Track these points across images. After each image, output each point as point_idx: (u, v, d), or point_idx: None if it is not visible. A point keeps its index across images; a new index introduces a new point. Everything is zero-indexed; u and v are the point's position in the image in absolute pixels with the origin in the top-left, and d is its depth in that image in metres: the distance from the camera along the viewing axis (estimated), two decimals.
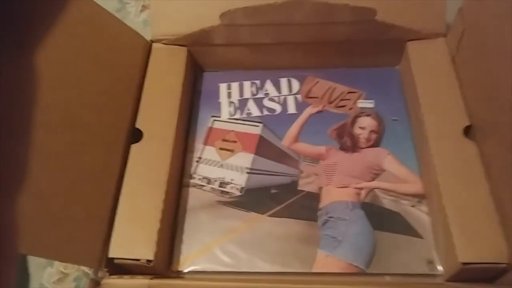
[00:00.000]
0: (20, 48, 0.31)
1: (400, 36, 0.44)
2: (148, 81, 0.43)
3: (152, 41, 0.46)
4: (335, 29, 0.43)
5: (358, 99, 0.46)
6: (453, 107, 0.40)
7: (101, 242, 0.35)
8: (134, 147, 0.39)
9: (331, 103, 0.47)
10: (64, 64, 0.35)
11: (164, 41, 0.46)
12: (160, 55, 0.45)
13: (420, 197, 0.40)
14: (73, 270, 0.43)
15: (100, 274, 0.34)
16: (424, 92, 0.41)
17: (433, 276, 0.36)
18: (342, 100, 0.47)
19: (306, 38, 0.45)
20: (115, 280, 0.33)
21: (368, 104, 0.46)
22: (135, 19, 0.43)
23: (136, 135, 0.40)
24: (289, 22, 0.42)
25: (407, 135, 0.43)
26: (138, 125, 0.41)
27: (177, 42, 0.46)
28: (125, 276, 0.34)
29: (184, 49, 0.46)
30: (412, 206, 0.40)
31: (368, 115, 0.45)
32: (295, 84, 0.48)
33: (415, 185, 0.40)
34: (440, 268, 0.36)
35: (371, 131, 0.44)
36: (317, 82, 0.48)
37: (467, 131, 0.39)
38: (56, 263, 0.43)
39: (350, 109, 0.46)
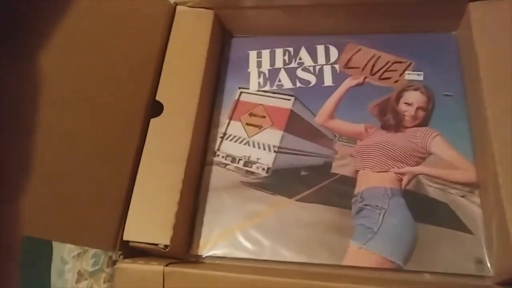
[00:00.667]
0: (30, 14, 0.28)
1: None
2: (171, 49, 0.40)
3: (176, 4, 0.42)
4: None
5: (405, 70, 0.40)
6: None
7: (116, 224, 0.33)
8: (153, 122, 0.36)
9: (373, 74, 0.41)
10: (76, 31, 0.32)
11: (189, 4, 0.42)
12: (184, 19, 0.41)
13: (472, 187, 0.35)
14: None
15: (114, 256, 0.32)
16: (486, 63, 0.35)
17: (481, 277, 0.32)
18: (386, 71, 0.41)
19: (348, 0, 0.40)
20: (128, 265, 0.32)
21: (417, 76, 0.40)
22: None
23: (156, 108, 0.37)
24: None
25: (462, 114, 0.38)
26: (159, 97, 0.37)
27: (202, 4, 0.42)
28: (139, 261, 0.32)
29: (210, 12, 0.42)
30: (462, 196, 0.34)
31: (416, 89, 0.39)
32: (334, 52, 0.43)
33: (467, 172, 0.35)
34: (490, 269, 0.32)
35: (418, 108, 0.39)
36: (359, 49, 0.42)
37: None
38: None
39: (396, 81, 0.40)
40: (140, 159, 0.35)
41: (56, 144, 0.29)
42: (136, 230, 0.33)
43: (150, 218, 0.33)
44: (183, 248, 0.35)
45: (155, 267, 0.31)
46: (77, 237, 0.30)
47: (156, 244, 0.32)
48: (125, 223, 0.33)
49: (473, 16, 0.37)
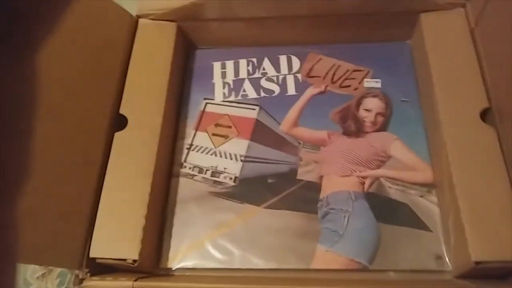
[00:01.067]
0: None
1: (412, 7, 0.40)
2: (134, 61, 0.40)
3: (138, 17, 0.42)
4: (341, 0, 0.39)
5: (364, 77, 0.42)
6: (470, 87, 0.36)
7: (81, 241, 0.32)
8: (118, 135, 0.36)
9: (334, 82, 0.43)
10: (42, 44, 0.32)
11: (151, 16, 0.42)
12: (147, 32, 0.41)
13: (429, 187, 0.36)
14: None
15: (81, 275, 0.31)
16: (438, 70, 0.37)
17: (441, 272, 0.34)
18: (346, 79, 0.43)
19: (308, 11, 0.41)
20: (96, 282, 0.31)
21: (375, 83, 0.42)
22: None
23: (120, 122, 0.37)
24: None
25: (418, 118, 0.40)
26: (123, 110, 0.37)
27: (165, 17, 0.42)
28: (108, 278, 0.31)
29: (173, 24, 0.42)
30: (421, 196, 0.36)
31: (375, 96, 0.41)
32: (296, 62, 0.44)
33: (424, 173, 0.37)
34: (449, 264, 0.33)
35: (378, 114, 0.40)
36: (320, 59, 0.44)
37: (485, 115, 0.35)
38: None
39: (355, 89, 0.42)
40: (105, 173, 0.35)
41: None
42: (103, 246, 0.32)
43: (117, 233, 0.33)
44: (152, 262, 0.35)
45: (124, 283, 0.31)
46: (42, 257, 0.30)
47: (124, 260, 0.32)
48: (91, 240, 0.32)
49: (425, 26, 0.40)
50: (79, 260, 0.32)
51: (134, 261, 0.31)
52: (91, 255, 0.32)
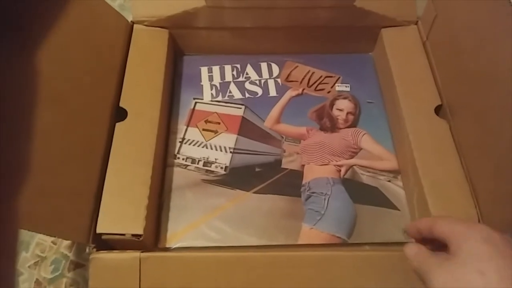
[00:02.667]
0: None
1: (375, 23, 0.47)
2: (131, 62, 0.43)
3: (133, 22, 0.46)
4: (316, 14, 0.45)
5: (335, 83, 0.48)
6: (425, 88, 0.43)
7: (88, 218, 0.34)
8: (119, 126, 0.39)
9: (310, 86, 0.48)
10: (47, 41, 0.34)
11: (145, 23, 0.46)
12: (141, 37, 0.45)
13: (395, 173, 0.42)
14: (50, 253, 0.42)
15: (87, 250, 0.33)
16: (398, 75, 0.44)
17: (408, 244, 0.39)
18: (320, 83, 0.48)
19: (287, 23, 0.47)
20: (104, 255, 0.33)
21: (344, 87, 0.48)
22: (111, 3, 0.43)
23: (120, 114, 0.40)
24: (273, 6, 0.43)
25: (382, 117, 0.46)
26: (122, 104, 0.40)
27: (158, 24, 0.46)
28: (115, 251, 0.33)
29: (165, 31, 0.46)
30: (388, 181, 0.42)
31: (345, 98, 0.47)
32: (275, 68, 0.49)
33: (390, 162, 0.43)
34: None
35: (348, 113, 0.46)
36: (296, 66, 0.50)
37: (438, 110, 0.42)
38: (32, 247, 0.42)
39: (328, 92, 0.48)
40: (108, 158, 0.37)
41: (33, 139, 0.30)
42: (109, 223, 0.34)
43: (122, 211, 0.35)
44: (152, 241, 0.37)
45: (132, 254, 0.33)
46: (53, 228, 0.31)
47: (130, 234, 0.34)
48: (97, 218, 0.34)
49: (385, 39, 0.47)
50: (86, 235, 0.34)
51: (139, 235, 0.34)
52: (98, 230, 0.34)
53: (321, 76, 0.49)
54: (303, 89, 0.48)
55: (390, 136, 0.45)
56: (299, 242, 0.38)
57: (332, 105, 0.47)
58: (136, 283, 0.33)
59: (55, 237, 0.40)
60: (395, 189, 0.41)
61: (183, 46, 0.49)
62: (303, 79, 0.49)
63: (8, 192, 0.24)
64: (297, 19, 0.46)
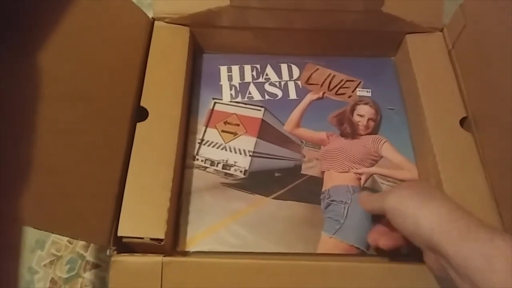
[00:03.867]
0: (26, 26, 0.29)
1: (400, 28, 0.46)
2: (151, 60, 0.43)
3: (154, 19, 0.45)
4: (342, 17, 0.44)
5: (356, 87, 0.48)
6: (450, 99, 0.42)
7: (109, 220, 0.34)
8: (140, 125, 0.39)
9: (331, 90, 0.47)
10: (69, 38, 0.33)
11: (166, 20, 0.45)
12: (162, 34, 0.44)
13: None
14: (66, 252, 0.42)
15: (108, 252, 0.33)
16: (423, 82, 0.43)
17: None
18: (341, 88, 0.48)
19: (311, 25, 0.46)
20: (126, 258, 0.33)
21: (366, 93, 0.47)
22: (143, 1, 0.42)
23: (141, 114, 0.39)
24: (299, 7, 0.42)
25: (403, 125, 0.45)
26: (143, 103, 0.40)
27: (179, 21, 0.45)
28: (136, 254, 0.33)
29: (186, 29, 0.45)
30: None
31: (366, 104, 0.46)
32: (296, 70, 0.48)
33: (411, 172, 0.42)
34: None
35: (369, 119, 0.45)
36: (317, 69, 0.49)
37: (463, 122, 0.41)
38: (47, 246, 0.42)
39: (349, 97, 0.47)
40: (129, 159, 0.37)
41: (53, 139, 0.30)
42: (130, 226, 0.34)
43: (143, 214, 0.34)
44: (172, 245, 0.37)
45: (154, 258, 0.33)
46: (74, 229, 0.31)
47: (151, 238, 0.33)
48: (118, 220, 0.34)
49: (410, 45, 0.46)
50: (107, 237, 0.33)
51: (161, 240, 0.33)
52: (119, 233, 0.33)
53: (342, 80, 0.48)
54: (324, 93, 0.47)
55: (411, 145, 0.44)
56: (318, 251, 0.38)
57: (353, 110, 0.46)
58: (157, 287, 0.33)
59: (76, 239, 0.40)
60: None
61: (203, 44, 0.48)
62: (323, 82, 0.48)
63: (11, 191, 0.24)
64: (322, 21, 0.45)
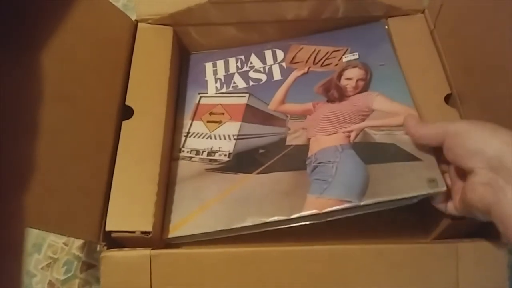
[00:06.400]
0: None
1: (382, 13, 0.45)
2: (136, 61, 0.44)
3: (137, 21, 0.46)
4: (323, 7, 0.45)
5: (343, 55, 0.45)
6: (434, 77, 0.41)
7: (98, 216, 0.35)
8: (125, 124, 0.40)
9: (316, 64, 0.46)
10: (53, 40, 0.36)
11: (149, 21, 0.46)
12: (145, 35, 0.46)
13: None
14: (62, 254, 0.43)
15: (98, 248, 0.33)
16: (406, 64, 0.42)
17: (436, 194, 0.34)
18: (327, 59, 0.46)
19: (291, 16, 0.46)
20: (115, 253, 0.33)
21: (353, 56, 0.45)
22: (115, 4, 0.46)
23: (126, 112, 0.41)
24: None
25: (397, 74, 0.42)
26: (128, 102, 0.41)
27: (162, 21, 0.46)
28: (125, 249, 0.34)
29: (169, 29, 0.46)
30: (407, 134, 0.37)
31: (354, 67, 0.44)
32: (280, 54, 0.48)
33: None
34: (443, 184, 0.34)
35: (358, 80, 0.42)
36: (302, 48, 0.48)
37: (448, 99, 0.40)
38: (44, 249, 0.44)
39: (336, 65, 0.45)
40: (115, 156, 0.38)
41: (41, 137, 0.32)
42: (118, 220, 0.35)
43: (130, 208, 0.35)
44: (159, 237, 0.36)
45: (142, 252, 0.33)
46: (64, 227, 0.32)
47: (139, 231, 0.34)
48: (106, 216, 0.35)
49: (392, 28, 0.45)
50: (97, 233, 0.34)
51: (148, 232, 0.34)
52: (108, 228, 0.34)
53: (327, 52, 0.46)
54: (309, 68, 0.45)
55: (407, 91, 0.40)
56: (304, 212, 0.34)
57: (340, 76, 0.43)
58: (147, 280, 0.33)
59: (65, 235, 0.41)
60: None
61: (187, 43, 0.50)
62: (308, 58, 0.46)
63: (13, 190, 0.25)
64: (301, 12, 0.45)
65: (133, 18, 0.47)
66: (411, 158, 0.35)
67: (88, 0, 0.40)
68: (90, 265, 0.42)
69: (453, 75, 0.41)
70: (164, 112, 0.40)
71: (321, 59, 0.46)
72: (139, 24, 0.47)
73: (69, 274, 0.42)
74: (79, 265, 0.42)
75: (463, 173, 0.32)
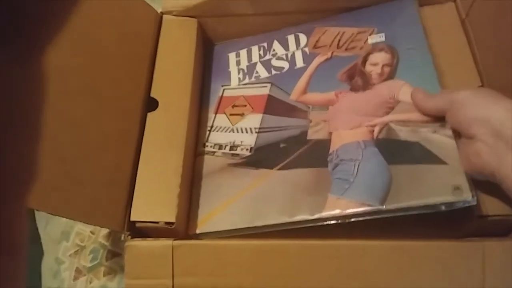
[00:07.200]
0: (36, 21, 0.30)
1: None
2: (160, 53, 0.44)
3: (162, 13, 0.47)
4: None
5: (368, 36, 0.43)
6: (465, 69, 0.39)
7: (123, 206, 0.36)
8: (150, 115, 0.41)
9: (340, 47, 0.44)
10: (80, 33, 0.36)
11: (174, 13, 0.46)
12: (170, 27, 0.46)
13: (443, 121, 0.35)
14: (89, 242, 0.45)
15: (122, 237, 0.35)
16: (437, 54, 0.40)
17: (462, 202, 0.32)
18: (352, 42, 0.43)
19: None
20: (139, 242, 0.35)
21: (379, 38, 0.42)
22: None
23: (151, 104, 0.41)
24: None
25: (427, 61, 0.39)
26: (154, 94, 0.42)
27: (186, 13, 0.46)
28: (149, 239, 0.35)
29: (194, 20, 0.46)
30: (434, 132, 0.35)
31: (380, 50, 0.41)
32: (303, 38, 0.46)
33: None
34: (469, 192, 0.32)
35: (384, 65, 0.40)
36: (325, 31, 0.45)
37: None
38: (72, 237, 0.46)
39: (361, 48, 0.42)
40: (140, 148, 0.39)
41: (68, 129, 0.33)
42: (143, 211, 0.36)
43: (154, 199, 0.36)
44: (183, 229, 0.38)
45: (164, 242, 0.35)
46: (89, 216, 0.34)
47: (162, 222, 0.35)
48: (131, 206, 0.36)
49: (423, 17, 0.42)
50: (121, 222, 0.36)
51: (172, 223, 0.35)
52: (132, 218, 0.36)
53: (352, 34, 0.44)
54: (332, 52, 0.43)
55: (437, 82, 0.37)
56: (325, 213, 0.34)
57: (365, 61, 0.41)
58: (169, 270, 0.35)
59: (91, 224, 0.42)
60: (442, 140, 0.34)
61: (212, 34, 0.49)
62: (332, 42, 0.44)
63: (16, 192, 0.25)
64: None
65: (159, 10, 0.47)
66: (436, 160, 0.33)
67: None
68: (115, 253, 0.44)
69: (484, 67, 0.39)
70: (188, 104, 0.41)
71: (345, 42, 0.44)
72: (164, 16, 0.47)
73: (95, 262, 0.44)
74: (105, 253, 0.44)
75: (466, 139, 0.33)
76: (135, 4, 0.44)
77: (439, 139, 0.34)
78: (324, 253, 0.34)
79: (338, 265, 0.34)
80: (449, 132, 0.34)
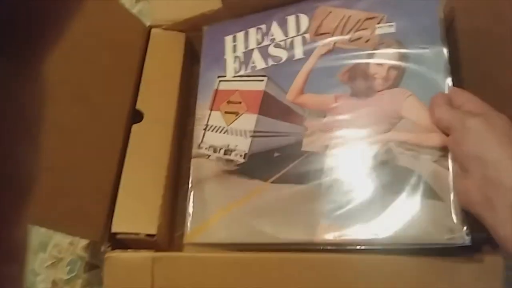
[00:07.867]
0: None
1: None
2: (147, 65, 0.44)
3: (151, 27, 0.45)
4: None
5: (377, 24, 0.37)
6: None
7: (104, 217, 0.37)
8: (135, 127, 0.40)
9: (345, 34, 0.38)
10: (68, 44, 0.35)
11: (163, 26, 0.45)
12: (158, 41, 0.45)
13: (445, 151, 0.32)
14: (67, 254, 0.43)
15: (102, 249, 0.35)
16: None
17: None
18: (358, 30, 0.38)
19: None
20: (118, 254, 0.35)
21: (388, 28, 0.36)
22: (131, 9, 0.43)
23: (136, 116, 0.41)
24: None
25: (441, 66, 0.34)
26: (139, 106, 0.41)
27: (175, 27, 0.45)
28: (129, 250, 0.36)
29: (182, 34, 0.45)
30: (435, 161, 0.32)
31: (388, 47, 0.36)
32: (304, 21, 0.41)
33: (440, 135, 0.32)
34: (462, 236, 0.30)
35: (390, 68, 0.35)
36: (330, 12, 0.40)
37: None
38: (49, 248, 0.44)
39: (367, 41, 0.37)
40: (123, 159, 0.39)
41: (55, 137, 0.31)
42: (124, 222, 0.37)
43: (136, 211, 0.37)
44: (167, 240, 0.39)
45: (144, 254, 0.35)
46: (70, 226, 0.34)
47: (144, 234, 0.35)
48: (112, 217, 0.37)
49: None
50: (102, 234, 0.36)
51: (153, 235, 0.36)
52: (113, 229, 0.36)
53: (359, 20, 0.38)
54: (335, 43, 0.38)
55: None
56: (316, 238, 0.33)
57: (369, 59, 0.37)
58: (148, 283, 0.35)
59: (72, 235, 0.42)
60: (441, 173, 0.31)
61: (200, 49, 0.45)
62: (336, 28, 0.39)
63: (16, 200, 0.27)
64: None
65: (147, 23, 0.46)
66: (433, 195, 0.31)
67: (103, 4, 0.39)
68: (94, 265, 0.43)
69: None
70: (174, 118, 0.41)
71: (351, 30, 0.38)
72: (152, 29, 0.45)
73: (72, 274, 0.43)
74: (83, 265, 0.43)
75: (461, 171, 0.30)
76: (124, 16, 0.43)
77: (438, 171, 0.31)
78: (307, 266, 0.34)
79: (321, 278, 0.34)
80: (449, 164, 0.31)
